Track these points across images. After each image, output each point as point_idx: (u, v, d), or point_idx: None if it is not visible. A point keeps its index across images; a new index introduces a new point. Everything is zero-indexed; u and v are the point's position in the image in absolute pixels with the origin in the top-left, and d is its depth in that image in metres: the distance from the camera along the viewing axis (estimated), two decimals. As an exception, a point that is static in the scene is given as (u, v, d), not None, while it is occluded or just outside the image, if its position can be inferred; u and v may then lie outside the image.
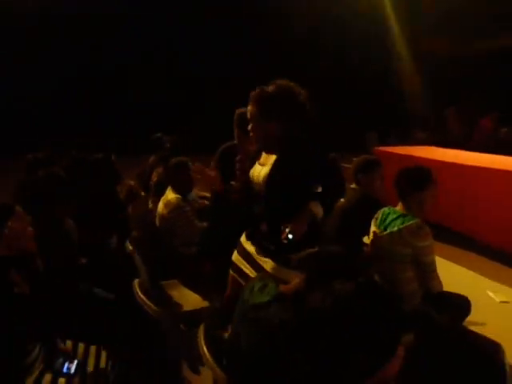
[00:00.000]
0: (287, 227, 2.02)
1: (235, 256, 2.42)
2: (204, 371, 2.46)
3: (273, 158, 2.23)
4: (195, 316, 2.66)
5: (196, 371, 2.49)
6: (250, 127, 2.22)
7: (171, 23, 11.83)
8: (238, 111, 2.86)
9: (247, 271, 2.32)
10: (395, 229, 2.43)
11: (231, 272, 2.43)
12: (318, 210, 2.15)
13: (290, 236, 2.03)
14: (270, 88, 2.16)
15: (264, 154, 2.30)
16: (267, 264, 2.23)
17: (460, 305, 2.62)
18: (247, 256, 2.35)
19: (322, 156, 2.23)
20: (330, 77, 12.23)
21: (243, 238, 2.42)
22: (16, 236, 1.91)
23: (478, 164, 4.87)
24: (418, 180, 2.50)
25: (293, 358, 1.39)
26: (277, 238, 2.15)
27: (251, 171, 2.32)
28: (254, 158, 2.35)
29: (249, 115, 2.21)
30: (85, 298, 2.46)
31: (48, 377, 1.92)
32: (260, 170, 2.27)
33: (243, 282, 2.32)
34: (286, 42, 11.92)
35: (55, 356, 2.00)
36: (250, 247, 2.33)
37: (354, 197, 3.11)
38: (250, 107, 2.19)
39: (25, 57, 10.88)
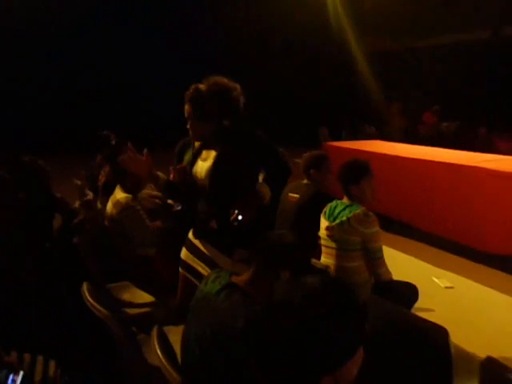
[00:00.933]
0: (236, 209, 2.04)
1: (184, 253, 2.40)
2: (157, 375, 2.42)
3: (213, 153, 2.26)
4: (148, 318, 2.61)
5: (150, 376, 2.43)
6: (188, 125, 2.26)
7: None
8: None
9: (199, 268, 2.31)
10: (344, 218, 2.50)
11: (181, 270, 2.41)
12: (265, 190, 2.20)
13: (240, 217, 2.05)
14: (204, 87, 2.20)
15: (204, 152, 2.32)
16: (219, 259, 2.23)
17: (408, 292, 2.73)
18: (198, 252, 2.33)
19: (260, 141, 2.27)
20: (283, 72, 12.38)
21: (191, 235, 2.40)
22: None
23: (420, 157, 5.09)
24: (355, 172, 2.63)
25: (243, 347, 1.39)
26: (227, 232, 2.16)
27: (194, 168, 2.33)
28: (196, 155, 2.36)
29: (186, 114, 2.24)
30: (29, 305, 2.35)
31: (-9, 391, 1.81)
32: (202, 166, 2.29)
33: (194, 279, 2.30)
34: (236, 39, 11.93)
35: None
36: (199, 244, 2.32)
37: (307, 192, 3.16)
38: (186, 106, 2.23)
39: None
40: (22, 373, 1.91)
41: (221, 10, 12.10)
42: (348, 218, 2.51)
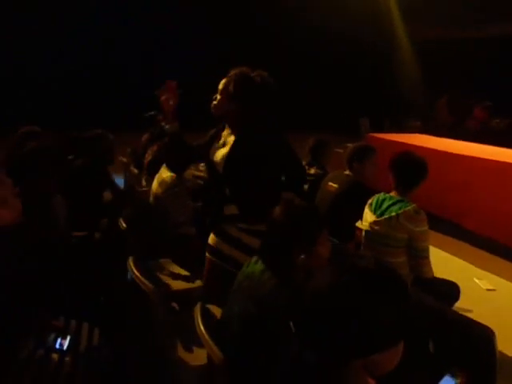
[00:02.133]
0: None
1: (212, 238, 2.42)
2: (197, 350, 2.48)
3: (232, 139, 2.31)
4: (188, 295, 2.68)
5: (189, 350, 2.51)
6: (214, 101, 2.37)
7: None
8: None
9: (227, 251, 2.33)
10: (393, 214, 2.46)
11: (208, 255, 2.44)
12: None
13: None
14: (238, 71, 2.30)
15: (224, 135, 2.39)
16: (251, 240, 2.25)
17: (449, 290, 2.68)
18: (225, 236, 2.36)
19: (282, 141, 2.34)
20: (324, 60, 12.17)
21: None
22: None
23: (466, 153, 4.92)
24: (420, 173, 2.56)
25: (284, 326, 1.41)
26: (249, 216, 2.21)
27: (212, 153, 2.39)
28: (214, 138, 2.43)
29: (219, 90, 2.35)
30: (76, 274, 2.44)
31: (40, 352, 1.91)
32: (220, 151, 2.34)
33: (224, 264, 2.33)
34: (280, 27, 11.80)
35: (47, 332, 1.98)
36: (229, 228, 2.35)
37: (347, 183, 3.13)
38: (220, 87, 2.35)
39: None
40: (68, 337, 2.01)
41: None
42: (397, 214, 2.44)
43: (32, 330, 1.93)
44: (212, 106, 2.37)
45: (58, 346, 1.94)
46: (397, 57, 11.76)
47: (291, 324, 1.32)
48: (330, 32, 11.63)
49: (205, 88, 3.11)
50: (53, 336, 1.96)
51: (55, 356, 1.91)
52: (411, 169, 2.56)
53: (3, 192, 1.84)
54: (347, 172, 3.22)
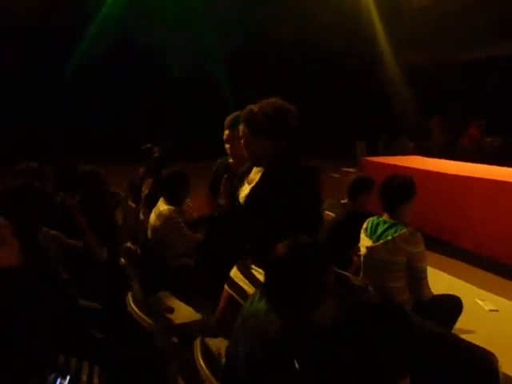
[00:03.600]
0: None
1: (234, 272, 2.42)
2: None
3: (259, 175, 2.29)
4: (188, 329, 2.65)
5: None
6: (242, 144, 2.31)
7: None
8: (230, 116, 2.92)
9: (246, 287, 2.32)
10: (389, 238, 2.47)
11: (227, 288, 2.42)
12: None
13: None
14: (261, 106, 2.23)
15: (253, 173, 2.35)
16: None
17: (451, 305, 2.65)
18: (247, 273, 2.35)
19: (309, 184, 2.26)
20: (320, 87, 12.37)
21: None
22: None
23: (461, 173, 4.96)
24: (404, 192, 2.58)
25: (290, 367, 1.40)
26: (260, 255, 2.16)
27: (240, 190, 2.37)
28: (243, 177, 2.40)
29: (240, 133, 2.30)
30: (73, 311, 2.43)
31: (41, 392, 1.88)
32: (246, 189, 2.32)
33: (240, 299, 2.32)
34: (274, 52, 12.04)
35: (47, 371, 1.96)
36: (248, 265, 2.35)
37: (344, 211, 3.16)
38: (241, 126, 2.29)
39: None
40: (68, 377, 1.98)
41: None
42: (394, 238, 2.46)
43: (32, 369, 1.91)
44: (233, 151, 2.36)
45: None
46: (389, 80, 11.99)
47: (295, 362, 1.32)
48: (325, 57, 11.90)
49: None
50: (53, 376, 1.94)
51: None
52: (395, 190, 2.58)
53: (1, 232, 1.85)
54: (344, 201, 3.24)
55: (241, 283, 2.34)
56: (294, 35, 11.90)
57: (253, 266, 2.31)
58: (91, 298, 2.61)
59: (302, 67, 12.50)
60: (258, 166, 2.33)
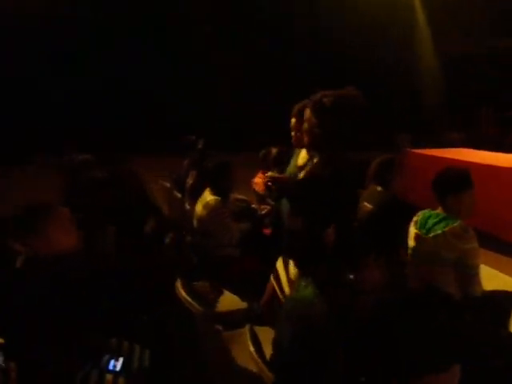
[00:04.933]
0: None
1: (279, 263, 2.45)
2: (245, 372, 2.49)
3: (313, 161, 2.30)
4: (233, 317, 2.70)
5: (237, 372, 2.52)
6: (304, 130, 2.28)
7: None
8: (298, 104, 2.90)
9: (283, 280, 2.36)
10: (439, 232, 2.41)
11: (272, 279, 2.47)
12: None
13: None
14: (331, 95, 2.16)
15: (302, 156, 2.38)
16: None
17: (501, 305, 2.56)
18: (286, 265, 2.38)
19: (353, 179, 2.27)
20: (360, 80, 12.14)
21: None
22: (58, 236, 1.96)
23: (510, 165, 4.76)
24: (454, 182, 2.49)
25: (332, 349, 1.41)
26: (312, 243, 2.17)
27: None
28: (303, 167, 2.43)
29: (305, 118, 2.26)
30: (126, 296, 2.52)
31: (95, 374, 1.97)
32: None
33: (278, 290, 2.35)
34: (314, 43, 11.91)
35: (101, 353, 2.04)
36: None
37: (382, 201, 3.06)
38: (308, 113, 2.23)
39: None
40: (121, 359, 2.06)
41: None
42: (444, 232, 2.38)
43: (88, 351, 2.00)
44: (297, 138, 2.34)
45: (111, 367, 2.00)
46: (433, 70, 11.61)
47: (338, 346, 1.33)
48: (363, 46, 11.66)
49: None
50: (107, 357, 2.02)
51: (109, 377, 1.97)
52: (448, 181, 2.50)
53: (63, 220, 1.96)
54: (379, 188, 3.15)
55: (280, 274, 2.37)
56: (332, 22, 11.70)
57: (290, 261, 2.33)
58: (143, 284, 2.70)
59: (340, 56, 12.26)
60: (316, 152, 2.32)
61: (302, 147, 2.73)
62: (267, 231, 3.25)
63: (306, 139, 2.30)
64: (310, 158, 2.42)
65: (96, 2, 10.91)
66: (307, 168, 2.33)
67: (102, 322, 2.14)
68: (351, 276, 1.56)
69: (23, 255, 1.99)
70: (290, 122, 2.89)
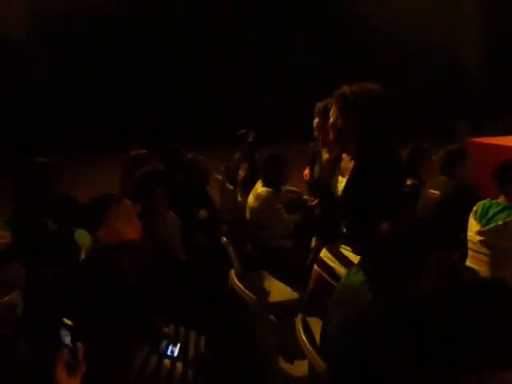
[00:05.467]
0: None
1: (323, 253, 2.45)
2: (298, 361, 2.51)
3: (350, 166, 2.25)
4: (285, 307, 2.72)
5: (290, 361, 2.55)
6: (329, 124, 2.25)
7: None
8: (321, 102, 2.89)
9: (334, 266, 2.35)
10: (500, 222, 2.31)
11: (316, 267, 2.46)
12: None
13: None
14: (354, 88, 2.16)
15: (344, 161, 2.32)
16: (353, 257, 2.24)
17: None
18: (335, 251, 2.37)
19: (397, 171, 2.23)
20: (417, 64, 11.74)
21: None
22: (124, 227, 2.05)
23: None
24: None
25: (389, 341, 1.39)
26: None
27: (334, 183, 2.37)
28: (334, 168, 2.40)
29: (331, 113, 2.25)
30: (185, 286, 2.61)
31: (154, 358, 2.05)
32: (341, 181, 2.30)
33: (328, 278, 2.35)
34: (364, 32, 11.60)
35: (160, 339, 2.13)
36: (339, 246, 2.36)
37: (450, 189, 2.99)
38: (333, 108, 2.23)
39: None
40: (179, 345, 2.14)
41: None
42: (505, 222, 2.30)
43: (147, 337, 2.09)
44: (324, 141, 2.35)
45: (169, 352, 2.07)
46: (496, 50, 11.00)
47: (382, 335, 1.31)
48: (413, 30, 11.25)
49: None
50: (165, 343, 2.09)
51: (167, 362, 2.04)
52: (505, 167, 2.46)
53: (127, 212, 2.05)
54: (446, 178, 3.08)
55: (329, 262, 2.37)
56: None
57: (342, 246, 2.33)
58: (198, 273, 2.79)
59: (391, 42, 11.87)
60: (346, 152, 2.30)
61: (327, 147, 2.75)
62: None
63: (331, 135, 2.27)
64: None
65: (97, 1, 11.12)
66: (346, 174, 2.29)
67: (161, 309, 2.23)
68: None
69: (90, 246, 2.11)
70: (303, 121, 2.88)
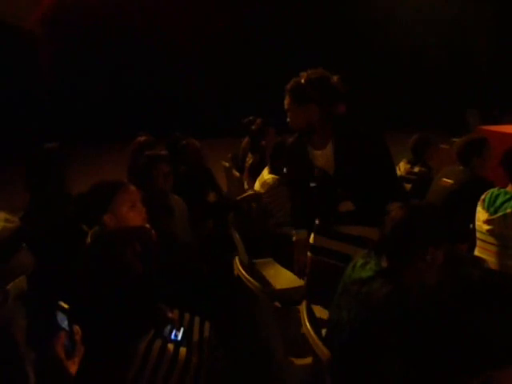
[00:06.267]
0: None
1: (315, 238, 2.44)
2: (301, 349, 2.51)
3: (327, 140, 2.29)
4: (290, 294, 2.72)
5: (294, 349, 2.55)
6: (288, 118, 2.30)
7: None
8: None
9: (334, 247, 2.34)
10: (508, 211, 2.27)
11: (310, 254, 2.46)
12: None
13: None
14: (301, 77, 2.24)
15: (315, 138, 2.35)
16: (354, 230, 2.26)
17: None
18: (329, 231, 2.36)
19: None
20: (424, 52, 11.59)
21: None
22: (130, 213, 2.04)
23: None
24: None
25: (397, 336, 1.38)
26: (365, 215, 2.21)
27: (310, 157, 2.36)
28: (304, 145, 2.39)
29: (286, 106, 2.29)
30: (189, 272, 2.61)
31: (158, 342, 2.06)
32: (320, 154, 2.31)
33: (330, 260, 2.35)
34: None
35: (164, 323, 2.14)
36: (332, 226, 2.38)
37: (463, 178, 2.95)
38: (286, 100, 2.28)
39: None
40: (182, 329, 2.15)
41: None
42: None
43: (153, 321, 2.10)
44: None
45: (173, 337, 2.08)
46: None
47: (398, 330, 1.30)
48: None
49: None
50: (169, 327, 2.10)
51: (171, 346, 2.06)
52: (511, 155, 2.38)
53: (132, 197, 2.04)
54: (461, 167, 3.03)
55: (325, 244, 2.37)
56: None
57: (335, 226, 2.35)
58: (203, 259, 2.79)
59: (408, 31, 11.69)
60: (311, 134, 2.34)
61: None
62: None
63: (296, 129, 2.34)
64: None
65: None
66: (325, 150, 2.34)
67: (166, 294, 2.23)
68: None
69: (95, 231, 2.11)
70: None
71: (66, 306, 0.99)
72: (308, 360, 2.12)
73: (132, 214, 2.00)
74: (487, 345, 0.89)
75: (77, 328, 1.01)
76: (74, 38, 10.88)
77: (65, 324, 0.97)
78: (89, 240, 2.34)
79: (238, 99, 11.12)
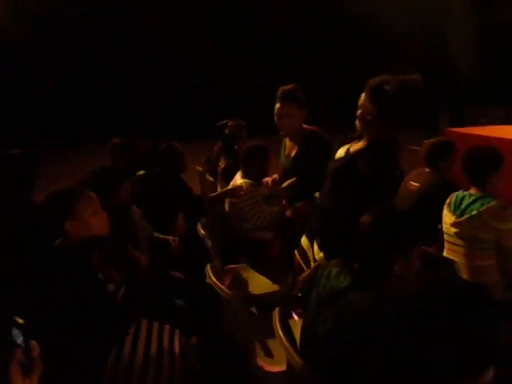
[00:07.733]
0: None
1: (304, 240, 2.43)
2: (277, 356, 2.49)
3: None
4: (266, 299, 2.69)
5: (269, 355, 2.52)
6: (359, 117, 2.08)
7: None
8: (284, 87, 2.88)
9: (309, 255, 2.34)
10: (474, 212, 2.29)
11: (297, 254, 2.46)
12: None
13: None
14: (392, 87, 1.95)
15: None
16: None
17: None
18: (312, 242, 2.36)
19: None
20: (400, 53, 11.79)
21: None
22: (92, 220, 1.99)
23: None
24: (492, 160, 2.38)
25: (374, 347, 1.36)
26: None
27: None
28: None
29: (361, 106, 2.06)
30: (156, 280, 2.56)
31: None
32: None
33: (304, 265, 2.34)
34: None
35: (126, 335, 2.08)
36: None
37: (429, 182, 2.98)
38: (367, 102, 2.03)
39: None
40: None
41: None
42: (480, 212, 2.27)
43: (119, 331, 2.05)
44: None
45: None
46: (471, 45, 11.09)
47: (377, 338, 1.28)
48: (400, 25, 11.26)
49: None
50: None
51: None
52: (481, 158, 2.40)
53: (94, 205, 1.99)
54: (427, 170, 3.07)
55: (307, 250, 2.36)
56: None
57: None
58: (174, 268, 2.74)
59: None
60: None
61: (290, 136, 2.96)
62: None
63: (358, 125, 2.12)
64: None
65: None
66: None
67: (132, 305, 2.18)
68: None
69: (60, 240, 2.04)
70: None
71: (21, 321, 0.93)
72: (283, 367, 2.10)
73: (94, 220, 1.95)
74: (478, 347, 0.89)
75: (34, 344, 0.95)
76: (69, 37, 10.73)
77: (20, 340, 0.92)
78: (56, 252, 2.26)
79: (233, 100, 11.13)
